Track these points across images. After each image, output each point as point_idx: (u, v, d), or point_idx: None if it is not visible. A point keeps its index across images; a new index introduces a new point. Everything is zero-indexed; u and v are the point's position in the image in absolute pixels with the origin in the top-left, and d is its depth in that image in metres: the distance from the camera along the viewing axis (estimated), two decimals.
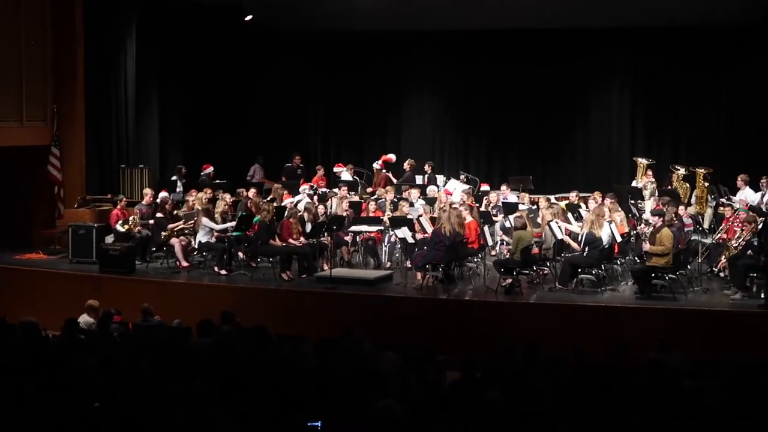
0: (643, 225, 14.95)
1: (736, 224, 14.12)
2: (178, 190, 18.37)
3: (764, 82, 19.92)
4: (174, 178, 18.94)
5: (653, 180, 17.69)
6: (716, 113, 20.56)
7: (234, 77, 21.89)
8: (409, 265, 14.63)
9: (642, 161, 18.23)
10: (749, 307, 12.79)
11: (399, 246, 15.48)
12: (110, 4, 18.76)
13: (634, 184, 17.96)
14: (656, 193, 16.93)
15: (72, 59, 17.95)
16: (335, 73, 22.55)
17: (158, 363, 8.25)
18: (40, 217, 17.81)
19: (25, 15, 17.31)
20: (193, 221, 15.62)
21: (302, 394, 6.97)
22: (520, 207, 15.65)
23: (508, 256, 14.30)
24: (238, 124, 22.05)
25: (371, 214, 15.84)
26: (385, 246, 15.78)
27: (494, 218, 16.06)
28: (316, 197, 17.31)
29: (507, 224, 15.32)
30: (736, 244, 13.57)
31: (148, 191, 16.85)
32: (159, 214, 16.04)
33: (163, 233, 15.67)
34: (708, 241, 14.70)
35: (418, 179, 18.93)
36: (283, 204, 16.46)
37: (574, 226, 14.50)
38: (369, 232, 15.51)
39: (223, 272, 15.07)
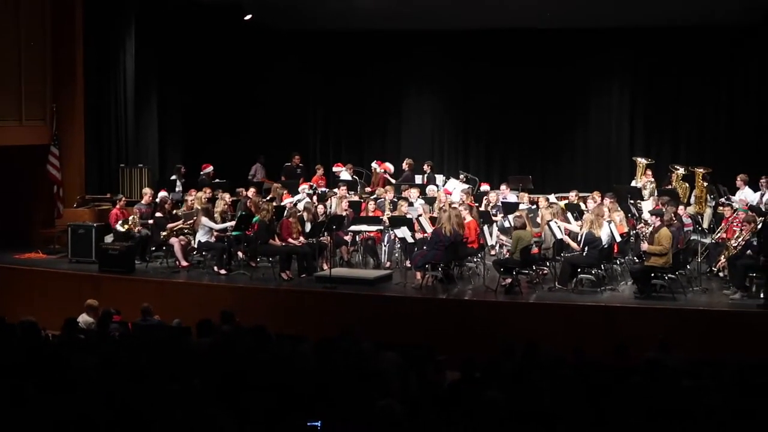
0: (642, 225, 14.95)
1: (735, 224, 14.12)
2: (177, 189, 18.38)
3: (764, 82, 19.94)
4: (173, 177, 18.95)
5: (653, 180, 17.69)
6: (716, 113, 20.57)
7: (233, 77, 21.89)
8: (409, 265, 14.63)
9: (641, 161, 18.23)
10: (748, 306, 12.80)
11: (398, 246, 15.48)
12: (110, 4, 18.78)
13: (633, 183, 17.96)
14: (655, 193, 16.93)
15: (71, 59, 17.95)
16: (335, 72, 22.55)
17: (158, 363, 8.25)
18: (40, 216, 17.81)
19: (25, 14, 17.31)
20: (192, 221, 15.62)
21: (302, 394, 6.96)
22: (520, 207, 15.64)
23: (507, 256, 14.31)
24: (237, 123, 22.05)
25: (371, 214, 15.84)
26: (385, 246, 15.78)
27: (494, 218, 16.06)
28: (315, 197, 17.30)
29: (506, 224, 15.32)
30: (736, 244, 13.58)
31: (147, 191, 16.86)
32: (158, 214, 16.03)
33: (163, 233, 15.67)
34: (707, 240, 14.70)
35: (418, 179, 18.94)
36: (282, 203, 16.46)
37: (574, 226, 14.50)
38: (368, 231, 15.51)
39: (223, 272, 15.07)
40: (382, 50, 21.95)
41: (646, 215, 15.21)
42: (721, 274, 14.14)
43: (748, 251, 13.23)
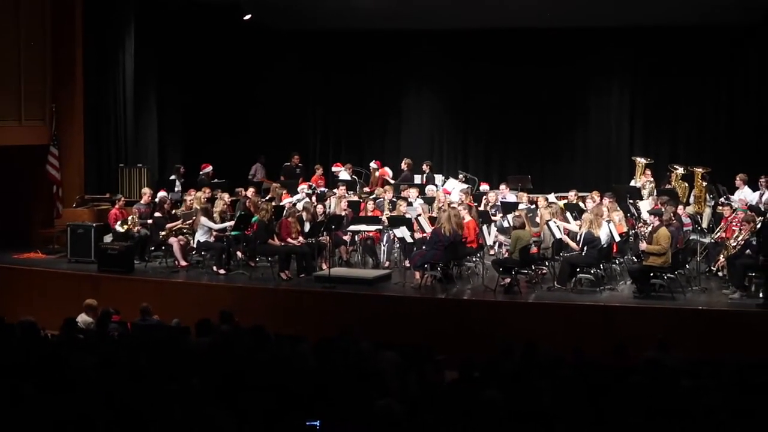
0: (642, 225, 14.95)
1: (734, 224, 14.13)
2: (176, 189, 18.37)
3: (763, 82, 19.93)
4: (172, 177, 18.95)
5: (652, 179, 17.69)
6: (715, 113, 20.57)
7: (233, 76, 21.89)
8: (408, 265, 14.63)
9: (640, 161, 18.24)
10: (748, 306, 12.80)
11: (397, 245, 15.48)
12: (109, 4, 18.78)
13: (632, 183, 17.98)
14: (655, 193, 16.93)
15: (71, 59, 17.95)
16: (334, 72, 22.54)
17: (157, 362, 8.25)
18: (39, 216, 17.81)
19: (25, 14, 17.31)
20: (191, 221, 15.63)
21: (301, 394, 6.96)
22: (519, 206, 15.64)
23: (506, 256, 14.31)
24: (236, 123, 22.04)
25: (369, 214, 15.84)
26: (384, 245, 15.77)
27: (493, 218, 16.06)
28: (314, 197, 17.30)
29: (505, 224, 15.33)
30: (735, 244, 13.58)
31: (146, 190, 16.87)
32: (157, 214, 16.04)
33: (162, 233, 15.68)
34: (706, 240, 14.70)
35: (417, 179, 18.94)
36: (281, 203, 16.46)
37: (573, 226, 14.51)
38: (367, 231, 15.51)
39: (222, 272, 15.08)
40: (381, 50, 21.94)
41: (644, 215, 15.21)
42: (720, 274, 14.14)
43: (748, 251, 13.24)
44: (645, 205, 15.85)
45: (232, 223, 15.41)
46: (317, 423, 6.21)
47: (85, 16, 18.16)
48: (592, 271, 13.85)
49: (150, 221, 16.02)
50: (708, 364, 9.30)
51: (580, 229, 14.06)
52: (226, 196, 16.52)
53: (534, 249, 14.07)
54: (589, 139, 21.48)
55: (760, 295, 12.95)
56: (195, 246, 15.58)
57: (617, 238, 13.97)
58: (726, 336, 12.09)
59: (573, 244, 13.99)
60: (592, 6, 19.24)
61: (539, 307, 13.31)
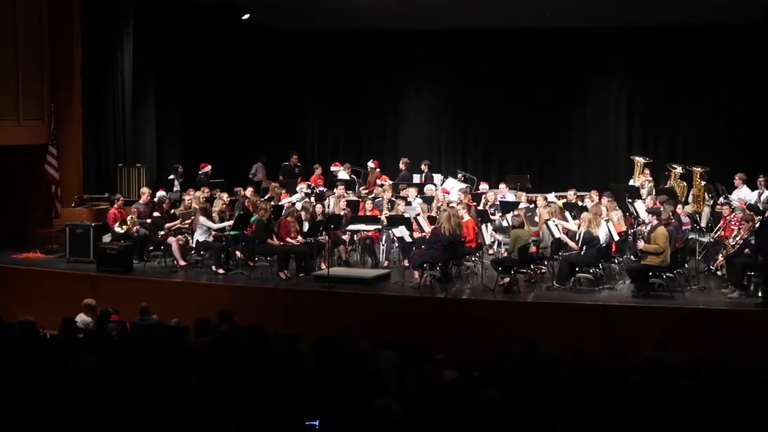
0: (640, 223, 14.96)
1: (733, 223, 14.13)
2: (175, 189, 18.36)
3: (763, 82, 19.94)
4: (171, 177, 18.94)
5: (650, 179, 17.71)
6: (714, 112, 20.58)
7: (231, 76, 21.88)
8: (407, 264, 14.63)
9: (639, 160, 18.25)
10: (746, 305, 12.80)
11: (396, 245, 15.48)
12: (107, 3, 18.76)
13: (631, 182, 17.99)
14: (653, 192, 16.94)
15: (69, 58, 17.95)
16: (333, 71, 22.53)
17: (156, 362, 8.24)
18: (38, 216, 17.80)
19: (23, 13, 17.29)
20: (190, 220, 15.62)
21: (300, 393, 6.96)
22: (520, 206, 15.65)
23: (505, 255, 14.32)
24: (235, 123, 22.03)
25: (368, 213, 15.84)
26: (383, 245, 15.77)
27: (492, 217, 16.07)
28: (313, 196, 17.30)
29: (504, 223, 15.33)
30: (734, 243, 13.58)
31: (145, 190, 16.87)
32: (156, 213, 16.03)
33: (161, 232, 15.67)
34: (705, 239, 14.70)
35: (416, 178, 18.93)
36: (280, 203, 16.46)
37: (572, 225, 14.51)
38: (366, 231, 15.51)
39: (221, 271, 15.07)
40: (380, 50, 21.94)
41: (642, 214, 15.22)
42: (719, 273, 14.15)
43: (746, 250, 13.24)
44: (640, 205, 15.85)
45: (231, 222, 15.41)
46: (316, 422, 6.20)
47: (84, 15, 18.14)
48: (591, 271, 13.86)
49: (149, 221, 16.00)
50: (707, 364, 9.31)
51: (579, 228, 14.06)
52: (224, 196, 16.52)
53: (533, 248, 14.07)
54: (588, 139, 21.49)
55: (759, 294, 12.96)
56: (194, 245, 15.58)
57: (616, 238, 13.97)
58: (725, 335, 12.09)
59: (572, 244, 13.99)
60: (592, 6, 19.23)
61: (538, 306, 13.32)
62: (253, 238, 15.12)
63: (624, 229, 14.75)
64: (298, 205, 16.00)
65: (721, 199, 15.98)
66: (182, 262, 15.50)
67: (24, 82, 17.34)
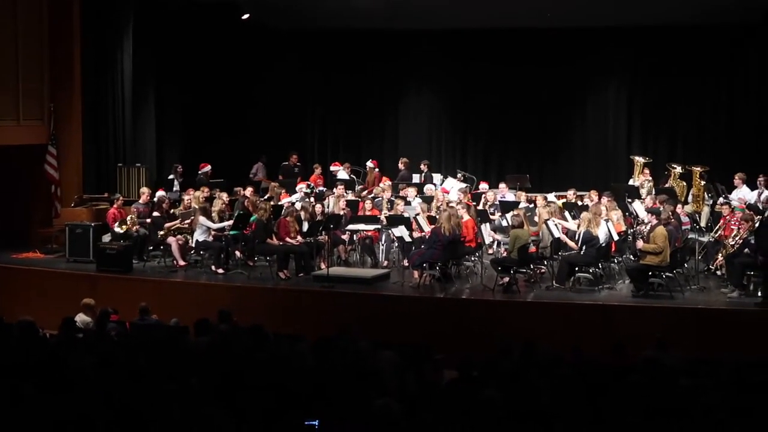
0: (640, 223, 14.96)
1: (733, 222, 14.13)
2: (174, 189, 18.37)
3: (763, 81, 19.95)
4: (171, 176, 18.94)
5: (650, 178, 17.72)
6: (714, 112, 20.58)
7: (231, 76, 21.87)
8: (406, 264, 14.63)
9: (639, 159, 18.26)
10: (746, 305, 12.81)
11: (396, 245, 15.48)
12: (107, 3, 18.76)
13: (631, 182, 17.99)
14: (653, 192, 16.95)
15: (69, 58, 17.95)
16: (333, 71, 22.52)
17: (155, 362, 8.24)
18: (37, 216, 17.79)
19: (23, 13, 17.28)
20: (189, 220, 15.62)
21: (299, 393, 6.96)
22: (519, 206, 15.65)
23: (504, 255, 14.32)
24: (235, 122, 22.03)
25: (368, 213, 15.84)
26: (383, 245, 15.77)
27: (491, 216, 16.07)
28: (313, 196, 17.30)
29: (504, 223, 15.34)
30: (733, 243, 13.58)
31: (145, 190, 16.87)
32: (156, 213, 16.03)
33: (160, 232, 15.67)
34: (705, 239, 14.71)
35: (415, 178, 18.94)
36: (280, 203, 16.47)
37: (571, 224, 14.51)
38: (366, 230, 15.51)
39: (220, 271, 15.07)
40: (380, 49, 21.93)
41: (641, 214, 15.24)
42: (718, 273, 14.15)
43: (746, 249, 13.24)
44: (638, 205, 15.85)
45: (230, 222, 15.41)
46: (316, 422, 6.20)
47: (83, 14, 18.14)
48: (590, 270, 13.86)
49: (148, 221, 16.00)
50: (706, 363, 9.30)
51: (578, 228, 14.07)
52: (224, 196, 16.52)
53: (532, 248, 14.08)
54: (587, 139, 21.49)
55: (759, 293, 12.96)
56: (193, 245, 15.58)
57: (616, 237, 13.97)
58: (724, 335, 12.09)
59: (572, 243, 14.00)
60: (592, 6, 19.23)
61: (538, 306, 13.32)
62: (252, 238, 15.12)
63: (623, 228, 14.76)
64: (298, 205, 16.00)
65: (721, 199, 15.98)
66: (182, 262, 15.50)
67: (24, 82, 17.33)
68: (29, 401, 6.37)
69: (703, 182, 16.73)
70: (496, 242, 15.82)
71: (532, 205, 15.96)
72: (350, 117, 22.61)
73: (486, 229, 15.65)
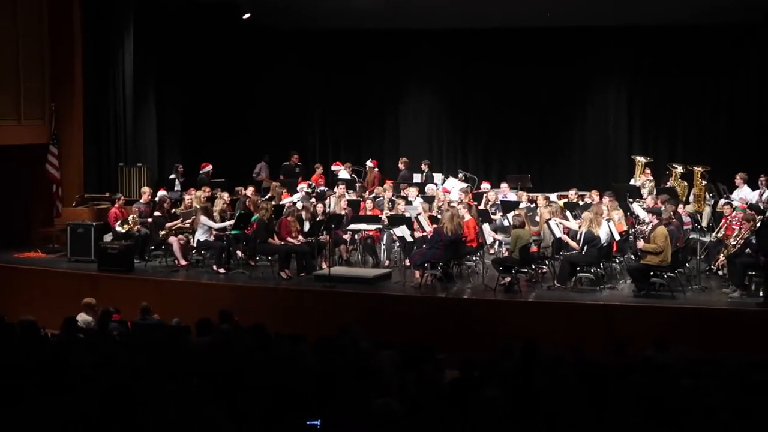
0: (641, 223, 14.95)
1: (734, 222, 14.12)
2: (176, 188, 18.37)
3: (763, 81, 19.95)
4: (172, 176, 18.95)
5: (651, 178, 17.72)
6: (714, 112, 20.58)
7: (232, 76, 21.88)
8: (408, 264, 14.63)
9: (640, 159, 18.26)
10: (748, 305, 12.80)
11: (398, 244, 15.48)
12: (108, 3, 18.76)
13: (632, 182, 17.99)
14: (654, 192, 16.95)
15: (70, 57, 17.96)
16: (334, 71, 22.53)
17: (157, 362, 8.24)
18: (39, 215, 17.80)
19: (23, 13, 17.30)
20: (191, 220, 15.62)
21: (301, 393, 6.96)
22: (520, 206, 15.64)
23: (506, 255, 14.32)
24: (236, 122, 22.03)
25: (369, 213, 15.84)
26: (384, 244, 15.77)
27: (493, 216, 16.07)
28: (314, 196, 17.30)
29: (505, 223, 15.33)
30: (735, 243, 13.57)
31: (146, 190, 16.87)
32: (157, 213, 16.04)
33: (162, 232, 15.67)
34: (706, 239, 14.70)
35: (416, 178, 18.94)
36: (281, 202, 16.46)
37: (573, 224, 14.51)
38: (367, 230, 15.51)
39: (222, 271, 15.07)
40: (380, 49, 21.93)
41: (641, 214, 15.24)
42: (720, 273, 14.13)
43: (747, 249, 13.23)
44: (636, 206, 15.86)
45: (231, 222, 15.41)
46: (318, 422, 6.20)
47: (84, 14, 18.15)
48: (592, 270, 13.85)
49: (150, 220, 16.01)
50: (708, 363, 9.30)
51: (580, 228, 14.06)
52: (225, 195, 16.52)
53: (534, 248, 14.07)
54: (588, 139, 21.50)
55: (760, 293, 12.95)
56: (195, 245, 15.58)
57: (617, 237, 13.97)
58: (726, 335, 12.08)
59: (573, 243, 13.99)
60: (592, 6, 19.24)
61: (539, 306, 13.32)
62: (254, 238, 15.12)
63: (625, 228, 14.75)
64: (299, 205, 16.00)
65: (722, 201, 15.97)
66: (183, 262, 15.50)
67: (25, 82, 17.35)
68: (30, 401, 6.37)
69: (704, 182, 16.73)
70: (497, 242, 15.82)
71: (533, 205, 15.95)
72: (351, 117, 22.61)
73: (487, 229, 15.63)
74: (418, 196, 16.84)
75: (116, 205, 16.26)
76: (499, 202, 16.69)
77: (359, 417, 6.22)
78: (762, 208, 15.34)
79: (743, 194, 16.22)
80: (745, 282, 13.20)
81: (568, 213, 15.13)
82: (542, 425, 6.42)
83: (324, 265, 14.91)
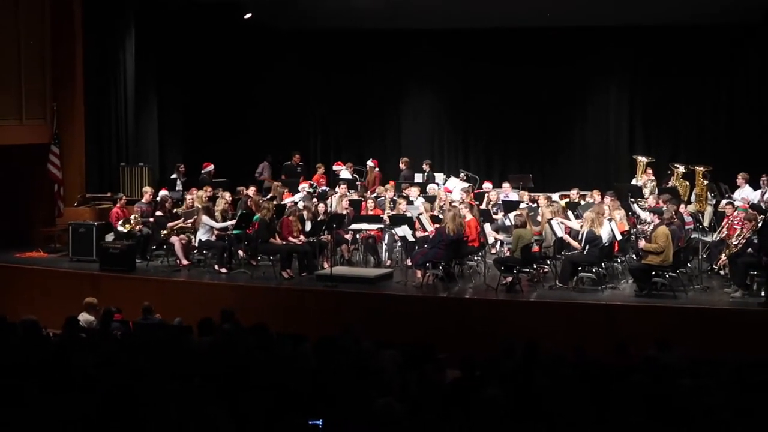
0: (643, 224, 14.95)
1: (736, 222, 14.11)
2: (177, 188, 18.38)
3: (763, 81, 19.94)
4: (173, 176, 18.95)
5: (653, 178, 17.72)
6: (715, 112, 20.59)
7: (233, 76, 21.89)
8: (409, 264, 14.63)
9: (642, 159, 18.26)
10: (749, 305, 12.78)
11: (399, 244, 15.48)
12: (109, 3, 18.75)
13: (634, 182, 17.99)
14: (656, 191, 16.94)
15: (71, 57, 17.96)
16: (334, 71, 22.54)
17: (159, 361, 8.25)
18: (41, 215, 17.80)
19: (24, 13, 17.31)
20: (192, 219, 15.62)
21: (302, 393, 6.96)
22: (522, 205, 15.64)
23: (507, 254, 14.32)
24: (237, 122, 22.04)
25: (371, 212, 15.85)
26: (385, 244, 15.77)
27: (494, 216, 16.07)
28: (315, 196, 17.30)
29: (507, 222, 15.33)
30: (736, 242, 13.56)
31: (147, 189, 16.86)
32: (159, 213, 16.04)
33: (163, 231, 15.67)
34: (708, 239, 14.69)
35: (417, 177, 18.95)
36: (283, 202, 16.47)
37: (574, 224, 14.50)
38: (369, 230, 15.51)
39: (224, 270, 15.08)
40: (381, 49, 21.94)
41: (642, 215, 15.23)
42: (722, 273, 14.12)
43: (749, 249, 13.22)
44: (636, 207, 15.86)
45: (233, 221, 15.41)
46: (319, 422, 6.20)
47: (85, 14, 18.15)
48: (593, 270, 13.84)
49: (151, 220, 16.01)
50: (709, 363, 9.29)
51: (581, 227, 14.06)
52: (227, 195, 16.51)
53: (535, 248, 14.06)
54: (589, 138, 21.50)
55: (762, 293, 12.94)
56: (196, 245, 15.58)
57: (619, 237, 13.96)
58: (728, 335, 12.07)
59: (574, 243, 13.98)
60: (591, 5, 19.25)
61: (541, 305, 13.31)
62: (255, 238, 15.12)
63: (627, 228, 14.74)
64: (301, 205, 16.00)
65: (723, 202, 15.97)
66: (185, 262, 15.50)
67: (26, 82, 17.36)
68: (32, 400, 6.38)
69: (706, 182, 16.72)
70: (499, 242, 15.81)
71: (534, 205, 15.95)
72: (352, 117, 22.62)
73: (488, 228, 15.63)
74: (419, 195, 16.84)
75: (118, 205, 16.26)
76: (500, 202, 16.69)
77: (361, 417, 6.22)
78: (764, 207, 15.33)
79: (745, 194, 16.22)
80: (747, 282, 13.19)
81: (569, 213, 15.12)
82: (543, 425, 6.42)
83: (325, 265, 14.92)
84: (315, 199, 16.82)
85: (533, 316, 12.94)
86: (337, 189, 17.27)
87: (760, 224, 13.37)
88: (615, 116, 21.26)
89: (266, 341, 9.62)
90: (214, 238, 15.33)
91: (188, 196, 16.42)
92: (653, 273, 13.16)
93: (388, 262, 15.59)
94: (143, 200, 16.56)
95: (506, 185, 17.92)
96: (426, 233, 14.61)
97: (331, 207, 16.42)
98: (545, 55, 21.03)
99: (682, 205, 15.47)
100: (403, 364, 8.77)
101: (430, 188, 17.58)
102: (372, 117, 22.50)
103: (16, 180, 17.94)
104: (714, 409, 6.76)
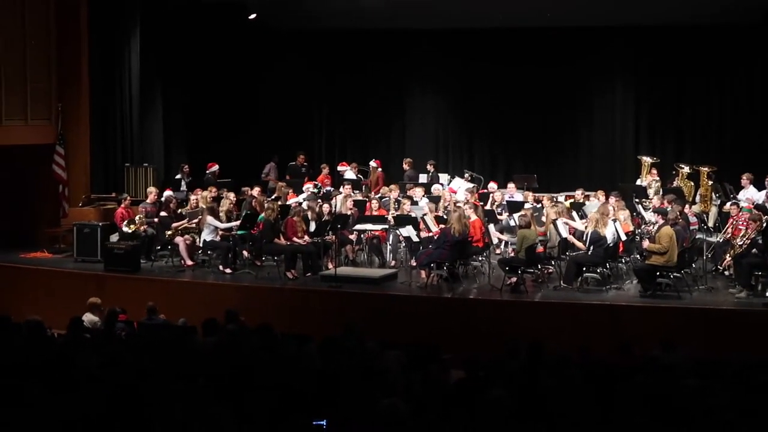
0: (647, 225, 14.94)
1: (741, 223, 14.09)
2: (182, 188, 18.40)
3: (764, 81, 19.94)
4: (178, 176, 18.98)
5: (658, 178, 17.70)
6: (719, 112, 20.56)
7: (237, 76, 21.90)
8: (414, 264, 14.63)
9: (646, 160, 18.24)
10: (754, 305, 12.77)
11: (404, 245, 15.48)
12: (114, 4, 18.81)
13: (638, 182, 17.97)
14: (661, 192, 16.93)
15: (76, 58, 17.99)
16: (338, 71, 22.55)
17: (163, 362, 8.25)
18: (45, 215, 17.83)
19: (30, 14, 17.33)
20: (197, 220, 15.64)
21: (307, 393, 6.96)
22: (526, 206, 15.64)
23: (512, 255, 14.31)
24: (242, 122, 22.06)
25: (375, 213, 15.85)
26: (390, 245, 15.77)
27: (499, 216, 16.07)
28: (320, 196, 17.31)
29: (512, 223, 15.33)
30: (741, 243, 13.54)
31: (152, 190, 16.88)
32: (163, 213, 16.06)
33: (168, 232, 15.68)
34: (713, 239, 14.67)
35: (422, 178, 18.95)
36: (288, 203, 16.48)
37: (579, 224, 14.50)
38: (373, 230, 15.51)
39: (228, 271, 15.09)
40: (385, 49, 21.95)
41: (647, 216, 15.21)
42: (726, 273, 14.11)
43: (754, 250, 13.21)
44: (641, 208, 15.84)
45: (238, 222, 15.42)
46: (324, 423, 6.20)
47: (90, 15, 18.20)
48: (598, 270, 13.83)
49: (156, 220, 16.03)
50: (714, 364, 9.28)
51: (586, 228, 14.05)
52: (231, 196, 16.53)
53: (540, 248, 14.05)
54: (593, 139, 21.49)
55: (767, 294, 12.92)
56: (201, 245, 15.59)
57: (623, 237, 13.95)
58: (732, 335, 12.06)
59: (579, 244, 13.98)
60: (593, 5, 19.27)
61: (545, 306, 13.30)
62: (260, 238, 15.14)
63: (631, 228, 14.73)
64: (305, 205, 16.00)
65: (728, 204, 15.94)
66: (189, 262, 15.52)
67: (32, 82, 17.38)
68: (37, 401, 6.39)
69: (710, 182, 16.70)
70: (503, 242, 15.81)
71: (539, 205, 15.94)
72: (355, 117, 22.64)
73: (493, 229, 15.62)
74: (424, 196, 16.83)
75: (122, 206, 16.28)
76: (505, 203, 16.68)
77: (365, 417, 6.22)
78: None
79: (749, 194, 16.20)
80: (752, 282, 13.18)
81: (574, 213, 15.12)
82: (548, 425, 6.41)
83: (330, 265, 14.92)
84: (319, 200, 16.83)
85: (538, 316, 12.93)
86: (341, 189, 17.27)
87: (764, 225, 13.37)
88: (619, 116, 21.24)
89: (271, 341, 9.62)
90: (218, 238, 15.34)
91: (193, 197, 16.44)
92: (658, 273, 13.15)
93: (393, 263, 15.59)
94: (148, 201, 16.57)
95: (511, 186, 17.92)
96: (430, 234, 14.61)
97: (335, 207, 16.42)
98: (549, 55, 21.03)
99: (687, 206, 15.45)
100: (408, 364, 8.77)
101: (435, 189, 17.57)
102: (375, 117, 22.50)
103: (21, 180, 17.96)
104: (718, 410, 6.75)
